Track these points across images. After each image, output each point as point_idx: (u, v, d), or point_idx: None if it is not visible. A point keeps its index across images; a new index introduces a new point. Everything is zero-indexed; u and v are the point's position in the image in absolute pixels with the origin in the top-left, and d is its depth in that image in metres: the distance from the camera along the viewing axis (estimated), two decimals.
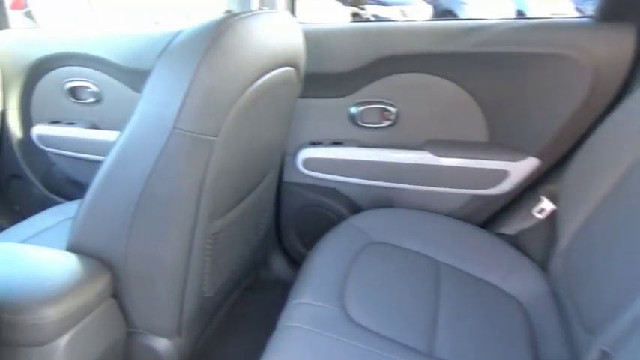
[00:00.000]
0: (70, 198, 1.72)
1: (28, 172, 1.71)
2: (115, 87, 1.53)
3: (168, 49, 0.79)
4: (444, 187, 1.30)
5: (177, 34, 0.80)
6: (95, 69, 1.53)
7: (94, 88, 1.56)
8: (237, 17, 0.82)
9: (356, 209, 1.42)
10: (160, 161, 0.78)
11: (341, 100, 1.34)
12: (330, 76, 1.32)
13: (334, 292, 0.94)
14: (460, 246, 1.17)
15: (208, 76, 0.75)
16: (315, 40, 1.25)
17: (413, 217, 1.26)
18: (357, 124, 1.35)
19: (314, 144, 1.38)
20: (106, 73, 1.52)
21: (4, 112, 1.65)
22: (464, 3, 7.83)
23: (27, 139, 1.67)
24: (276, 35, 0.94)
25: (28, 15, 1.68)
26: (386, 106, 1.31)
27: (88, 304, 0.79)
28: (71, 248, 0.88)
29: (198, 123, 0.76)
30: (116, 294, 0.87)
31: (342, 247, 1.11)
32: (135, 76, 1.48)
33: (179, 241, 0.86)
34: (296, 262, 1.54)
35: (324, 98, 1.35)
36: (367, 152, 1.33)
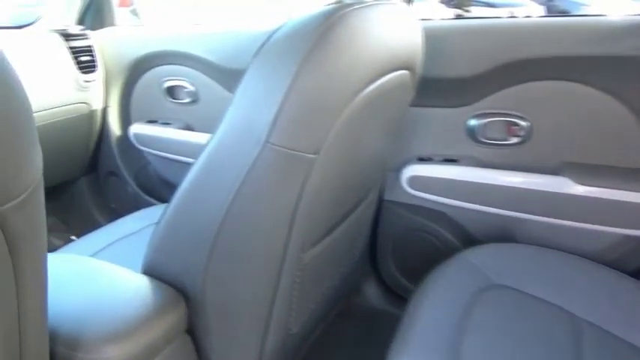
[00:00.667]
0: (161, 199, 1.69)
1: (123, 170, 1.70)
2: (210, 87, 1.46)
3: (266, 47, 0.66)
4: (585, 222, 1.05)
5: (278, 28, 0.67)
6: (192, 68, 1.47)
7: (191, 88, 1.50)
8: (350, 7, 0.66)
9: (469, 239, 1.21)
10: (248, 179, 0.65)
11: (458, 110, 1.14)
12: (447, 81, 1.12)
13: (448, 345, 0.76)
14: (605, 299, 0.92)
15: (311, 80, 0.60)
16: (431, 38, 1.07)
17: (542, 256, 1.03)
18: (476, 140, 1.14)
19: (422, 160, 1.20)
20: (202, 72, 1.46)
21: (105, 110, 1.65)
22: (584, 5, 7.12)
23: (124, 137, 1.65)
24: (396, 31, 0.77)
25: (134, 12, 1.67)
26: (514, 120, 1.09)
27: (159, 342, 0.68)
28: (146, 270, 0.78)
29: (295, 138, 0.62)
30: (191, 329, 0.76)
31: (455, 288, 0.92)
32: (230, 76, 1.40)
33: (266, 273, 0.72)
34: (392, 291, 1.36)
35: (438, 107, 1.16)
36: (487, 173, 1.12)
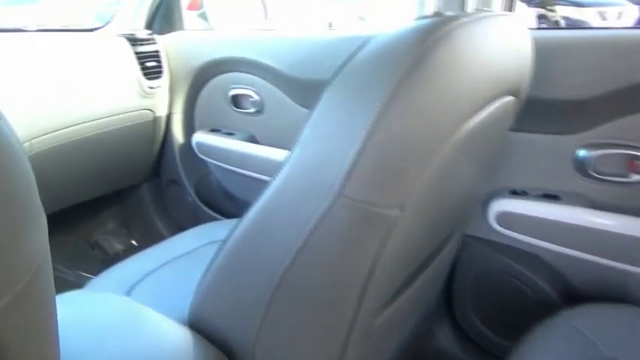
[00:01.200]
0: (220, 210, 1.62)
1: (184, 179, 1.64)
2: (276, 97, 1.35)
3: (346, 69, 0.53)
4: None
5: (362, 45, 0.54)
6: (259, 76, 1.38)
7: (256, 98, 1.40)
8: (455, 22, 0.52)
9: (568, 292, 1.02)
10: (316, 233, 0.52)
11: (565, 137, 0.96)
12: (553, 103, 0.94)
13: None
14: None
15: (402, 117, 0.47)
16: (537, 52, 0.89)
17: None
18: (585, 174, 0.96)
19: (516, 193, 1.02)
20: (269, 81, 1.36)
21: (169, 116, 1.59)
22: None
23: (187, 145, 1.59)
24: (505, 51, 0.62)
25: (202, 16, 1.60)
26: (638, 153, 0.90)
27: None
28: (191, 321, 0.68)
29: (376, 190, 0.48)
30: None
31: (557, 358, 0.75)
32: (298, 87, 1.29)
33: (332, 340, 0.60)
34: (468, 337, 1.19)
35: (539, 133, 0.98)
36: (597, 215, 0.93)
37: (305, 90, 1.28)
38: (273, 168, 1.37)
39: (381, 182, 0.48)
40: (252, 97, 1.41)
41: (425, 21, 0.52)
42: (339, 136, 0.49)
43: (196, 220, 1.68)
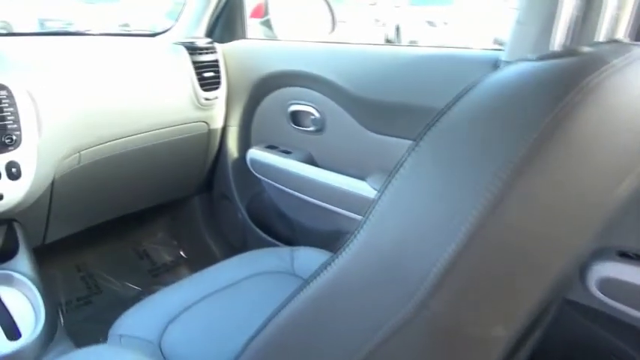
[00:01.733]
0: (270, 231, 1.51)
1: (235, 195, 1.55)
2: (339, 117, 1.23)
3: (444, 121, 0.38)
4: None
5: (473, 84, 0.40)
6: (321, 93, 1.25)
7: (317, 115, 1.28)
8: (609, 67, 0.36)
9: None
10: (384, 348, 0.38)
11: None
12: None
13: None
14: None
15: (526, 205, 0.32)
16: None
17: None
18: None
19: (626, 256, 0.83)
20: (332, 98, 1.23)
21: (224, 129, 1.51)
22: None
23: (241, 160, 1.50)
24: None
25: (266, 24, 1.50)
26: None
27: None
28: None
29: (476, 308, 0.34)
30: None
31: None
32: (364, 108, 1.16)
33: None
34: None
35: None
36: None
37: (373, 112, 1.14)
38: (330, 194, 1.24)
39: (485, 295, 0.34)
40: (312, 115, 1.29)
41: (562, 61, 0.37)
42: (433, 217, 0.35)
43: (245, 239, 1.59)
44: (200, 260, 1.79)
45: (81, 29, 1.41)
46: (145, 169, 1.40)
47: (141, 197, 1.51)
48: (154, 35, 1.51)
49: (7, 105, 0.98)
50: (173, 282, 1.71)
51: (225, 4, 1.41)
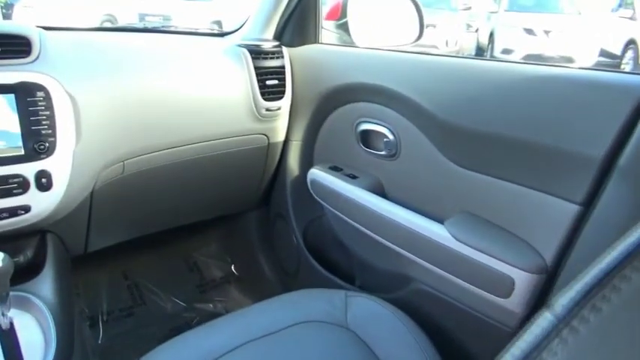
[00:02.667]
0: (326, 262, 1.33)
1: (292, 216, 1.39)
2: (419, 143, 1.01)
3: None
4: None
5: None
6: (400, 112, 1.05)
7: (391, 138, 1.08)
8: None
9: None
10: None
11: None
12: None
13: None
14: None
15: None
16: None
17: None
18: None
19: None
20: (411, 120, 1.02)
21: (286, 143, 1.35)
22: None
23: (301, 179, 1.33)
24: None
25: (343, 27, 1.32)
26: None
27: None
28: None
29: None
30: None
31: None
32: (450, 135, 0.93)
33: None
34: None
35: None
36: None
37: (460, 141, 0.92)
38: (398, 233, 1.03)
39: None
40: (386, 137, 1.09)
41: None
42: None
43: (299, 265, 1.42)
44: (251, 280, 1.66)
45: (174, 25, 1.32)
46: (196, 182, 1.28)
47: (190, 211, 1.39)
48: (222, 35, 1.38)
49: (42, 108, 0.88)
50: (220, 301, 1.61)
51: (298, 2, 1.24)
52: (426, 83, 1.00)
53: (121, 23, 8.44)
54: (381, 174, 1.14)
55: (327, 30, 1.31)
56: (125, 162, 1.07)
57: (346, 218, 1.17)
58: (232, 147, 1.23)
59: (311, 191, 1.27)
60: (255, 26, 1.30)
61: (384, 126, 1.09)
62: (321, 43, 1.30)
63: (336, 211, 1.20)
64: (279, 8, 1.24)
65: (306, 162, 1.32)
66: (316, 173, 1.24)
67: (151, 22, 7.84)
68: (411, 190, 1.07)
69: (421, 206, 1.03)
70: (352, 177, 1.17)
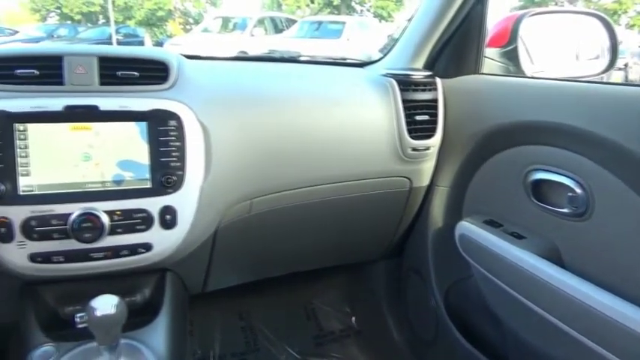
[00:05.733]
0: (474, 336, 1.10)
1: (431, 275, 1.18)
2: (622, 199, 0.76)
3: None
4: None
5: None
6: (591, 158, 0.81)
7: (579, 192, 0.83)
8: None
9: None
10: None
11: None
12: None
13: None
14: None
15: None
16: None
17: None
18: None
19: None
20: (610, 169, 0.78)
21: (430, 189, 1.15)
22: None
23: (446, 232, 1.12)
24: None
25: (509, 55, 1.11)
26: None
27: None
28: None
29: None
30: None
31: None
32: None
33: None
34: None
35: None
36: None
37: None
38: (579, 315, 0.77)
39: None
40: (571, 191, 0.84)
41: None
42: None
43: (437, 333, 1.20)
44: (373, 337, 1.46)
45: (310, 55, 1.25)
46: (325, 225, 1.14)
47: (315, 256, 1.25)
48: (362, 65, 1.26)
49: (173, 138, 0.80)
50: (338, 358, 1.44)
51: (457, 28, 1.06)
52: (629, 120, 0.76)
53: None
54: (560, 237, 0.89)
55: (488, 58, 1.11)
56: (253, 200, 0.96)
57: (503, 285, 0.94)
58: (369, 189, 1.08)
59: (458, 247, 1.05)
60: (401, 54, 1.15)
61: (567, 176, 0.85)
62: (482, 74, 1.10)
63: (490, 275, 0.98)
64: (434, 35, 1.07)
65: (454, 212, 1.11)
66: (467, 227, 1.02)
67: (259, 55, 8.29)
68: (604, 261, 0.81)
69: (619, 284, 0.77)
70: (517, 236, 0.94)
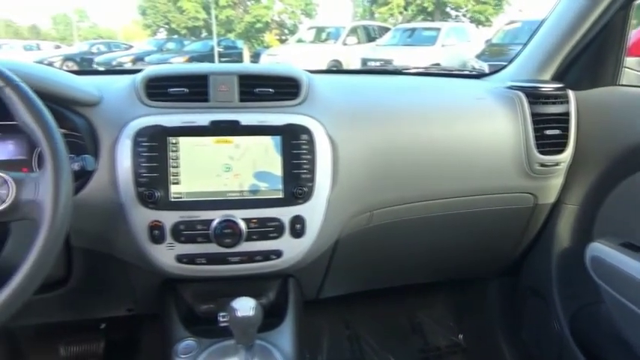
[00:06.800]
0: None
1: (555, 297, 1.11)
2: None
3: None
4: None
5: None
6: None
7: None
8: None
9: None
10: None
11: None
12: None
13: None
14: None
15: None
16: None
17: None
18: None
19: None
20: None
21: (556, 206, 1.09)
22: None
23: (573, 252, 1.06)
24: None
25: None
26: None
27: None
28: None
29: None
30: None
31: None
32: None
33: None
34: None
35: None
36: None
37: None
38: None
39: None
40: None
41: None
42: None
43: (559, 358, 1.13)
44: (482, 356, 1.41)
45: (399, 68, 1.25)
46: (441, 239, 1.12)
47: (429, 270, 1.24)
48: (479, 76, 1.23)
49: (305, 152, 0.84)
50: None
51: (596, 36, 1.00)
52: None
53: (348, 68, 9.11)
54: None
55: (628, 68, 1.03)
56: (374, 212, 0.97)
57: None
58: (491, 205, 1.04)
59: (589, 270, 0.99)
60: (526, 64, 1.11)
61: None
62: (622, 85, 1.02)
63: (627, 302, 0.90)
64: (568, 43, 1.02)
65: (583, 232, 1.04)
66: (601, 249, 0.95)
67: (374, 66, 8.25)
68: None
69: None
70: None
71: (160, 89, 0.86)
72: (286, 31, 18.96)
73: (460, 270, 1.28)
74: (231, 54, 13.22)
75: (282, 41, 16.47)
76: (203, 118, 0.83)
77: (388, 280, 1.26)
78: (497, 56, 6.79)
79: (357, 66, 8.63)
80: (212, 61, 11.68)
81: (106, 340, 1.30)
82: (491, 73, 1.22)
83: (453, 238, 1.13)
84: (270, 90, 0.88)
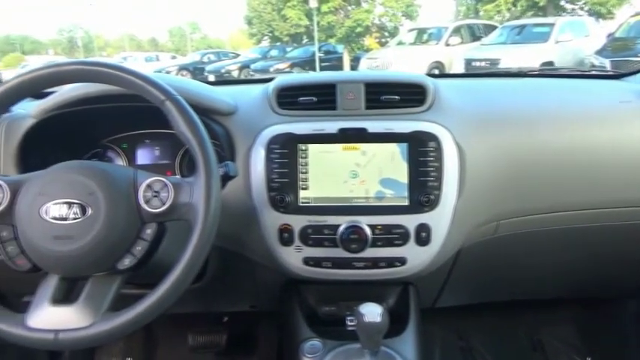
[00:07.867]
0: None
1: None
2: None
3: None
4: None
5: None
6: None
7: None
8: None
9: None
10: None
11: None
12: None
13: None
14: None
15: None
16: None
17: None
18: None
19: None
20: None
21: None
22: None
23: None
24: None
25: None
26: None
27: None
28: None
29: None
30: None
31: None
32: None
33: None
34: None
35: None
36: None
37: None
38: None
39: None
40: None
41: None
42: None
43: None
44: None
45: (508, 68, 1.18)
46: (572, 253, 1.04)
47: (555, 285, 1.16)
48: (618, 77, 1.12)
49: (432, 159, 0.83)
50: None
51: None
52: None
53: (451, 71, 8.82)
54: None
55: None
56: (500, 222, 0.93)
57: None
58: (634, 219, 0.95)
59: None
60: None
61: None
62: None
63: None
64: None
65: None
66: None
67: (479, 66, 7.89)
68: None
69: None
70: None
71: (290, 98, 0.90)
72: (386, 34, 18.88)
73: (591, 288, 1.18)
74: (331, 59, 13.42)
75: (382, 44, 16.43)
76: (331, 126, 0.86)
77: (509, 293, 1.20)
78: (621, 51, 6.12)
79: (461, 67, 8.31)
80: (313, 66, 11.95)
81: (229, 332, 1.39)
82: (631, 73, 1.11)
83: (586, 253, 1.05)
84: (396, 97, 0.88)
